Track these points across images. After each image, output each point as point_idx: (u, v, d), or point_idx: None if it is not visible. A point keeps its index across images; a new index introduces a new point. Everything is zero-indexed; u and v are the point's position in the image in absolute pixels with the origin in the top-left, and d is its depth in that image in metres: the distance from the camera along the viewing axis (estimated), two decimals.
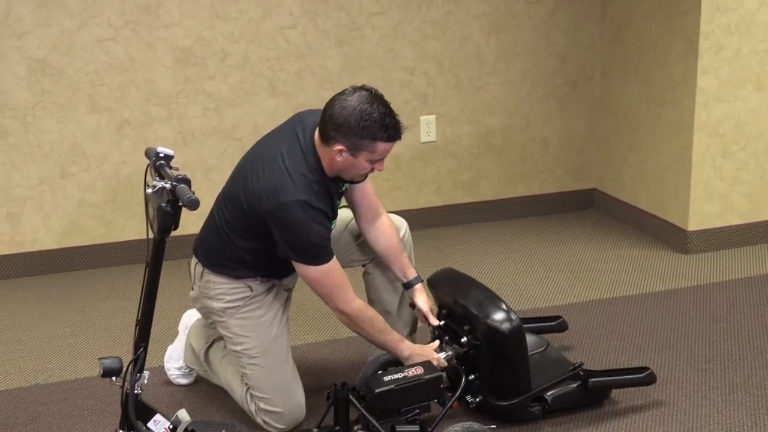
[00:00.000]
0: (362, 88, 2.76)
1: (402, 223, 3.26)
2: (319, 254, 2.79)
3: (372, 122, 2.68)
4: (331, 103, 2.74)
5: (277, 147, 2.84)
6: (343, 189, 2.96)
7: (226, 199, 2.92)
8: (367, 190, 3.07)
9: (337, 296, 2.84)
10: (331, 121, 2.71)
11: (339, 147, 2.72)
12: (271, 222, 2.75)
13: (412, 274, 3.12)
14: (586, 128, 5.25)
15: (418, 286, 3.13)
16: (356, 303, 2.87)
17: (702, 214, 4.55)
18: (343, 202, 3.09)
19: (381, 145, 2.73)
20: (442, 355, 3.00)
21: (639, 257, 4.59)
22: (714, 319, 3.84)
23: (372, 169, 2.82)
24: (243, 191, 2.82)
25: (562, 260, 4.59)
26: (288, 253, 2.80)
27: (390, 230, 3.10)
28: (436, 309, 3.15)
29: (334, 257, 2.83)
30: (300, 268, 2.82)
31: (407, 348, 2.97)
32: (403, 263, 3.11)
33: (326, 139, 2.75)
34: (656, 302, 4.03)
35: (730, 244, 4.64)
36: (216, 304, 3.00)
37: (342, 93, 2.75)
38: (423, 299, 3.12)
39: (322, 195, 2.79)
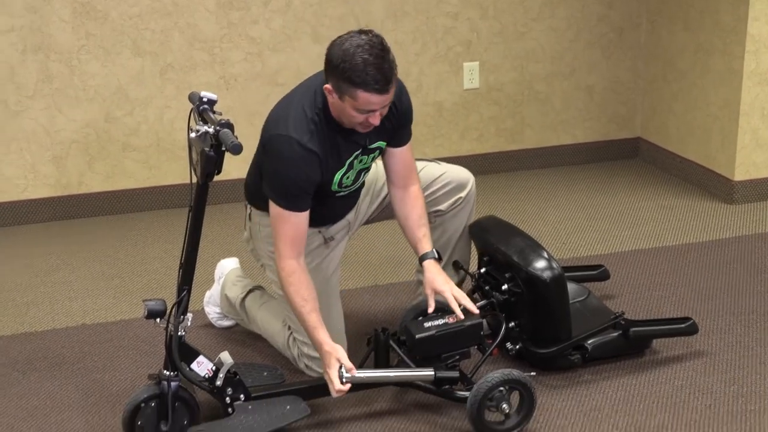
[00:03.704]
0: (364, 32, 2.62)
1: (468, 179, 3.18)
2: (287, 197, 2.71)
3: (351, 66, 2.55)
4: (333, 41, 2.67)
5: (303, 84, 2.83)
6: (369, 145, 2.83)
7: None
8: (402, 157, 2.94)
9: (277, 246, 2.75)
10: (326, 57, 2.64)
11: (327, 86, 2.64)
12: (265, 152, 2.74)
13: (423, 249, 2.93)
14: (631, 76, 5.18)
15: (428, 263, 2.90)
16: (287, 262, 2.73)
17: (749, 164, 4.48)
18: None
19: (361, 94, 2.57)
20: (344, 376, 2.65)
21: (683, 207, 4.54)
22: (758, 269, 3.80)
23: (367, 121, 2.66)
24: (263, 124, 2.83)
25: (605, 209, 4.56)
26: (265, 187, 2.77)
27: (414, 203, 2.96)
28: (448, 288, 2.86)
29: (303, 213, 2.73)
30: (269, 203, 2.75)
31: (316, 340, 2.72)
32: (417, 237, 2.94)
33: (324, 76, 2.69)
34: (700, 253, 3.99)
35: None
36: (264, 246, 3.02)
37: (348, 33, 2.64)
38: (429, 277, 2.87)
39: (322, 137, 2.70)
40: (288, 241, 2.73)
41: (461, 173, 3.19)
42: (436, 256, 2.92)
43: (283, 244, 2.74)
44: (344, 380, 2.65)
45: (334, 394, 2.68)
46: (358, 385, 2.73)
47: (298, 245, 2.75)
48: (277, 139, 2.69)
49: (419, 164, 3.10)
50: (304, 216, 2.75)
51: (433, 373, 2.78)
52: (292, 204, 2.72)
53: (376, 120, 2.66)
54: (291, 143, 2.66)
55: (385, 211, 3.17)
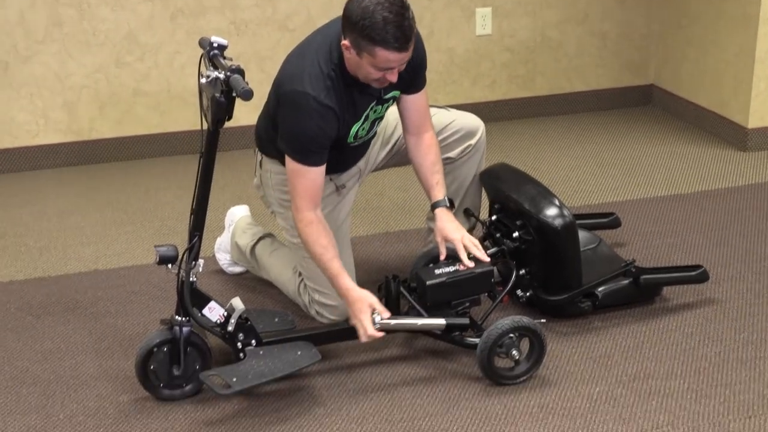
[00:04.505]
0: None
1: (478, 126, 3.17)
2: (304, 152, 2.70)
3: (371, 24, 2.51)
4: None
5: (316, 37, 2.79)
6: (384, 95, 2.81)
7: (272, 86, 2.89)
8: (417, 103, 2.92)
9: (294, 199, 2.75)
10: (344, 13, 2.61)
11: (345, 42, 2.60)
12: (281, 107, 2.72)
13: (435, 197, 2.93)
14: (645, 22, 5.12)
15: (439, 211, 2.89)
16: (304, 215, 2.72)
17: (763, 111, 4.44)
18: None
19: (381, 52, 2.55)
20: (377, 317, 2.68)
21: (696, 155, 4.52)
22: None
23: (384, 77, 2.64)
24: (276, 77, 2.80)
25: (617, 157, 4.54)
26: (281, 142, 2.75)
27: (428, 150, 2.94)
28: (458, 236, 2.86)
29: (320, 167, 2.72)
30: (286, 157, 2.75)
31: (342, 287, 2.74)
32: (430, 184, 2.94)
33: (341, 31, 2.64)
34: (712, 200, 3.98)
35: None
36: (275, 194, 3.02)
37: None
38: (440, 225, 2.88)
39: (338, 92, 2.68)
40: (305, 195, 2.73)
41: (471, 120, 3.18)
42: (448, 204, 2.92)
43: (300, 198, 2.73)
44: (377, 326, 2.66)
45: (363, 339, 2.69)
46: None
47: (315, 198, 2.75)
48: (293, 95, 2.67)
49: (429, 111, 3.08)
50: (320, 170, 2.74)
51: (466, 321, 2.80)
52: (308, 159, 2.71)
53: (393, 77, 2.65)
54: (308, 99, 2.64)
55: (395, 158, 3.17)
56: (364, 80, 2.68)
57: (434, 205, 2.92)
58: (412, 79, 2.84)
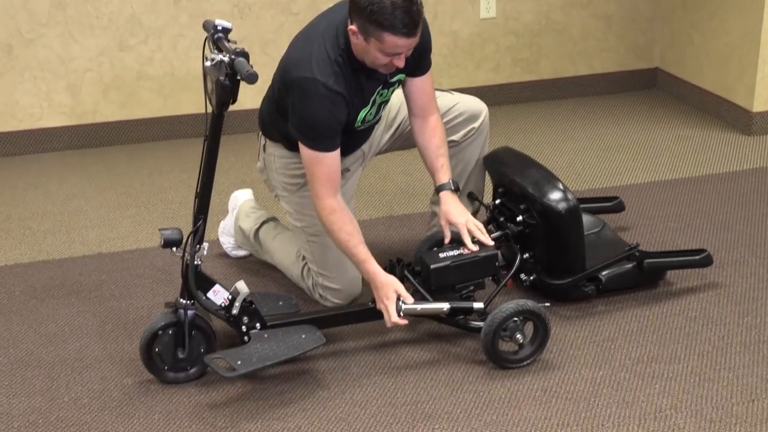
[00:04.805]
0: None
1: (481, 109, 3.16)
2: (317, 139, 2.70)
3: (379, 9, 2.51)
4: None
5: (322, 21, 2.78)
6: (390, 79, 2.81)
7: (276, 70, 2.89)
8: (422, 86, 2.91)
9: (314, 187, 2.75)
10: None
11: (352, 27, 2.60)
12: (289, 93, 2.72)
13: (440, 179, 2.91)
14: (650, 5, 5.10)
15: (444, 194, 2.89)
16: (326, 202, 2.73)
17: None
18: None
19: (389, 37, 2.55)
20: (401, 305, 2.70)
21: (701, 138, 4.51)
22: None
23: (391, 63, 2.64)
24: (282, 61, 2.80)
25: (621, 140, 4.54)
26: (293, 130, 2.75)
27: (433, 132, 2.94)
28: (463, 219, 2.86)
29: (335, 151, 2.73)
30: (300, 145, 2.75)
31: (369, 272, 2.75)
32: (435, 167, 2.93)
33: (348, 16, 2.64)
34: (717, 184, 3.98)
35: None
36: (279, 178, 3.02)
37: None
38: (444, 208, 2.88)
39: (346, 78, 2.68)
40: (324, 182, 2.73)
41: (474, 104, 3.17)
42: (453, 187, 2.91)
43: (319, 185, 2.73)
44: (401, 313, 2.68)
45: (389, 325, 2.72)
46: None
47: (334, 184, 2.75)
48: (302, 82, 2.66)
49: None
50: (335, 155, 2.74)
51: (482, 305, 2.80)
52: (323, 145, 2.71)
53: (400, 62, 2.65)
54: (317, 86, 2.64)
55: (399, 141, 3.17)
56: (371, 65, 2.68)
57: (439, 188, 2.92)
58: (418, 61, 2.84)
